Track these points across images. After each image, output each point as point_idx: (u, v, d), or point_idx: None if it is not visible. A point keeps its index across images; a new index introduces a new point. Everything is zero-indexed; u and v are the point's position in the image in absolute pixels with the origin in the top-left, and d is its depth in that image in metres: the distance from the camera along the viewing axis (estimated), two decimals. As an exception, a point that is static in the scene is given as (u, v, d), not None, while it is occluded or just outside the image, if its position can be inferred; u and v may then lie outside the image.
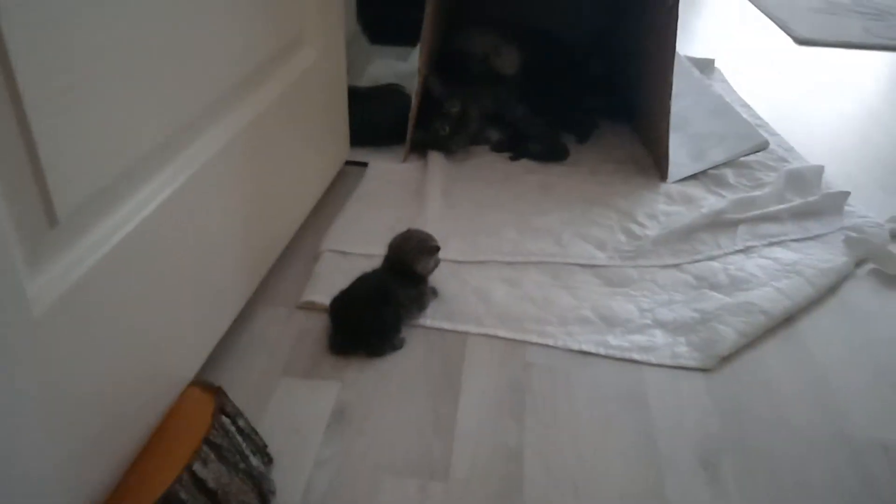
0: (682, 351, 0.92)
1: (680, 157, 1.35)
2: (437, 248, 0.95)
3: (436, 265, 0.96)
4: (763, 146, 1.40)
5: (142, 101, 0.63)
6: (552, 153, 1.37)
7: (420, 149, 1.37)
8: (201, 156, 0.76)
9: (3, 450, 0.50)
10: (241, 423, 0.71)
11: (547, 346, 0.92)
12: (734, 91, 1.74)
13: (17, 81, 0.48)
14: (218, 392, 0.72)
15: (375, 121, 1.38)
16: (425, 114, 1.34)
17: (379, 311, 0.89)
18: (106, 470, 0.63)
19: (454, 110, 1.33)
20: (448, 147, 1.36)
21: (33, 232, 0.52)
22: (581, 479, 0.74)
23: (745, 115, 1.56)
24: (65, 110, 0.53)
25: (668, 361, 0.90)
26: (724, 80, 1.81)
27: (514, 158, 1.37)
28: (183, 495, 0.60)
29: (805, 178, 1.29)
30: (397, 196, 1.24)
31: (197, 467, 0.62)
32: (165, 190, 0.69)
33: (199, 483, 0.62)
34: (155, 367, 0.70)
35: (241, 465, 0.67)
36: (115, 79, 0.59)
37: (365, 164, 1.33)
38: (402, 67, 1.74)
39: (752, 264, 1.09)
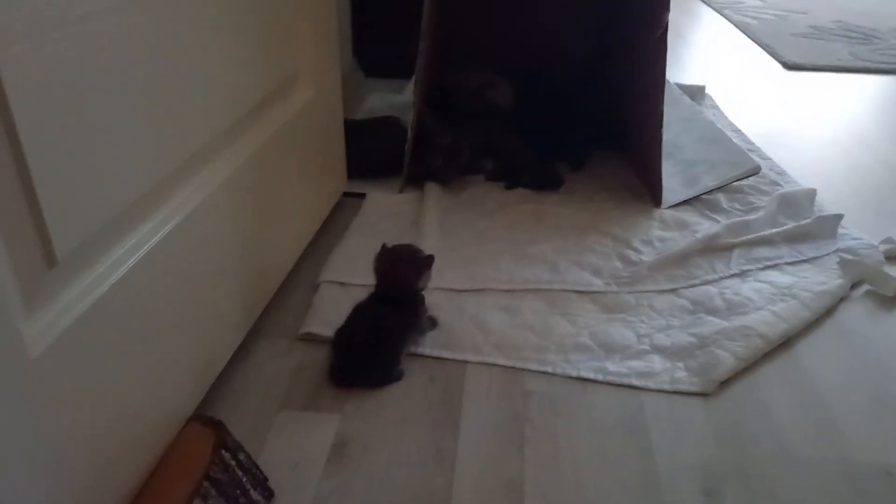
0: (681, 376, 0.92)
1: (673, 183, 1.37)
2: (432, 258, 0.93)
3: (429, 277, 0.94)
4: (755, 171, 1.42)
5: (139, 142, 0.65)
6: (546, 182, 1.39)
7: (416, 180, 1.38)
8: (199, 194, 0.77)
9: None
10: (241, 457, 0.71)
11: (546, 373, 0.93)
12: (725, 117, 1.77)
13: (15, 125, 0.49)
14: (218, 426, 0.72)
15: (372, 153, 1.40)
16: (420, 146, 1.36)
17: (379, 346, 0.89)
18: (106, 508, 0.62)
19: (445, 142, 1.35)
20: (441, 178, 1.37)
21: (32, 273, 0.53)
22: (583, 508, 0.74)
23: (736, 140, 1.58)
24: (63, 152, 0.55)
25: (667, 387, 0.91)
26: (715, 107, 1.84)
27: (509, 188, 1.39)
28: (183, 533, 0.60)
29: (798, 202, 1.30)
30: (394, 226, 1.25)
31: (197, 503, 0.62)
32: (163, 228, 0.69)
33: (199, 520, 0.62)
34: (154, 404, 0.70)
35: (242, 500, 0.67)
36: (113, 121, 0.60)
37: (362, 196, 1.35)
38: (398, 99, 1.77)
39: (747, 288, 1.09)
